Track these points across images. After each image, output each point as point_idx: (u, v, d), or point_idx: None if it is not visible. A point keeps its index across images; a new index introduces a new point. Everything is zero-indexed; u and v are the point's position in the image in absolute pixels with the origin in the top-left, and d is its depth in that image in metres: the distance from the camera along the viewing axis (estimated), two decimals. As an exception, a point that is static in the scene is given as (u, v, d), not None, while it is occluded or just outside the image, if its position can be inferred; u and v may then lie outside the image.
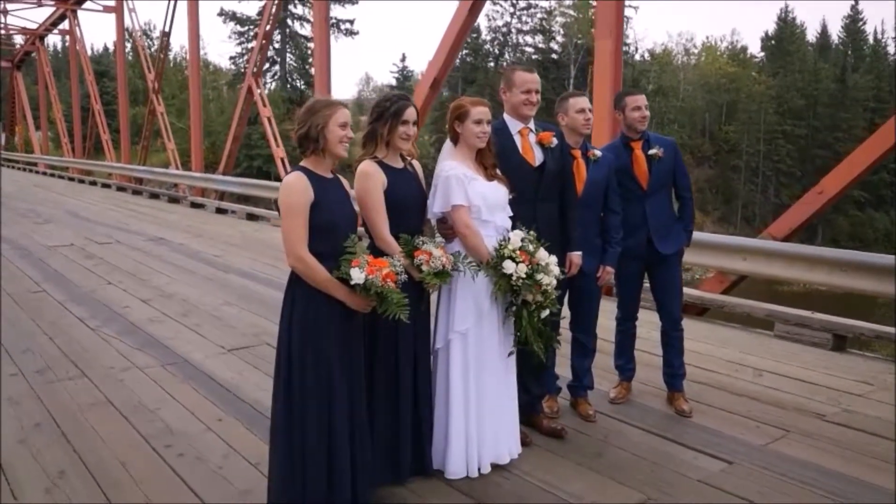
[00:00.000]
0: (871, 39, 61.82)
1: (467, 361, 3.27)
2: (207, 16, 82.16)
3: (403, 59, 65.96)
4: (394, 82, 57.88)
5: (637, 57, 53.05)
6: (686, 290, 6.57)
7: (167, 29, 19.29)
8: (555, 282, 3.26)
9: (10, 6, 27.03)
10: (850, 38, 61.19)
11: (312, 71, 49.09)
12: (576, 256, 3.76)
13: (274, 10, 14.54)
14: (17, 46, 36.30)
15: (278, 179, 17.02)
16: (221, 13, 49.08)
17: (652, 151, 4.06)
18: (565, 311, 4.02)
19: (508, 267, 3.17)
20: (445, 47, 9.57)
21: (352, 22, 51.07)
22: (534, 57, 49.67)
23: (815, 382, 4.69)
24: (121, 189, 20.93)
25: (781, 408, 4.23)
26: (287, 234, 2.77)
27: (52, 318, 6.12)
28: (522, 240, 3.23)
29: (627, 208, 4.04)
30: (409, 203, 3.20)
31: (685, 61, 58.37)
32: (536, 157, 3.60)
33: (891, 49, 62.86)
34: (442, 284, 3.12)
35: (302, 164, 2.87)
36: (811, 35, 62.25)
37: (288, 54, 51.40)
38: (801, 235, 6.39)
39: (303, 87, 50.51)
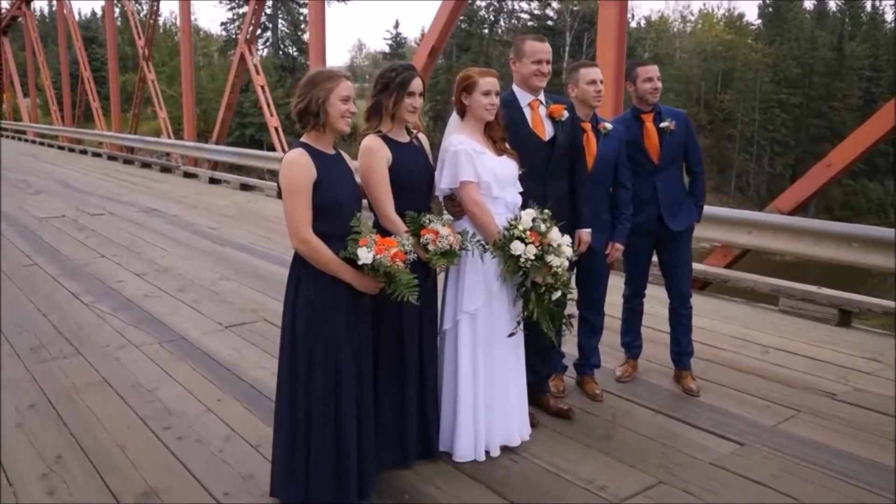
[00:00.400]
0: (868, 7, 61.36)
1: (476, 342, 3.18)
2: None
3: (397, 25, 65.19)
4: (387, 49, 57.11)
5: (633, 24, 52.42)
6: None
7: (157, -7, 18.82)
8: (566, 263, 3.14)
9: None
10: (847, 6, 60.61)
11: (305, 37, 48.53)
12: (585, 234, 3.65)
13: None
14: (3, 11, 35.51)
15: (271, 148, 16.79)
16: (211, -22, 48.07)
17: (663, 124, 3.93)
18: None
19: (517, 248, 3.05)
20: (444, 14, 9.34)
21: (344, -13, 50.20)
22: (529, 23, 49.02)
23: (822, 359, 4.63)
24: (112, 158, 20.64)
25: (790, 386, 4.17)
26: (290, 215, 2.65)
27: (46, 293, 6.00)
28: (534, 219, 3.11)
29: (637, 183, 3.93)
30: (415, 179, 3.07)
31: (681, 28, 57.79)
32: (547, 131, 3.47)
33: (888, 17, 62.45)
34: (449, 265, 3.01)
35: (302, 139, 2.74)
36: (809, 2, 61.73)
37: (280, 20, 50.55)
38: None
39: (295, 53, 49.81)
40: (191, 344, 4.75)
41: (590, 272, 3.90)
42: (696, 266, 6.45)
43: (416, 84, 3.00)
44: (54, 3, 31.01)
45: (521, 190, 3.28)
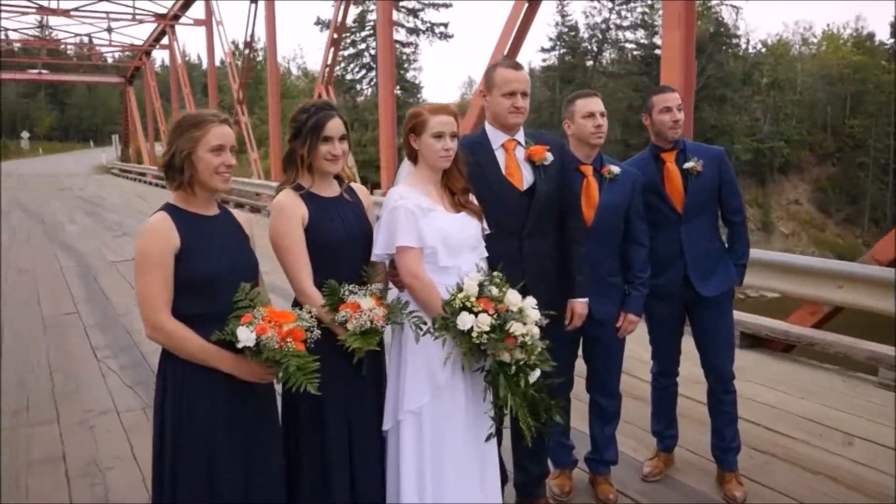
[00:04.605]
0: None
1: (422, 447, 2.50)
2: (305, 24, 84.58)
3: (502, 60, 65.05)
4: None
5: (750, 49, 49.87)
6: (769, 322, 5.54)
7: (248, 38, 19.48)
8: (536, 331, 2.43)
9: (113, 24, 28.33)
10: None
11: (409, 76, 49.37)
12: (579, 305, 2.92)
13: (341, 16, 14.21)
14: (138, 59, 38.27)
15: (376, 186, 16.59)
16: (318, 22, 49.97)
17: (688, 165, 3.16)
18: (580, 368, 3.21)
19: (464, 321, 2.38)
20: (501, 49, 8.79)
21: (446, 25, 50.74)
22: (635, 52, 47.65)
23: (925, 458, 3.61)
24: (211, 199, 21.29)
25: (873, 498, 3.22)
26: (141, 295, 2.13)
27: (68, 346, 5.84)
28: (482, 284, 2.45)
29: (659, 237, 3.17)
30: (342, 243, 2.48)
31: (803, 51, 54.37)
32: (525, 179, 2.80)
33: None
34: (370, 349, 2.36)
35: (171, 200, 2.22)
36: (950, 17, 56.60)
37: (385, 60, 51.74)
38: None
39: (398, 92, 50.77)
40: (173, 412, 4.34)
41: (597, 348, 3.16)
42: (778, 326, 5.48)
43: (334, 126, 2.43)
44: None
45: (486, 255, 2.62)
